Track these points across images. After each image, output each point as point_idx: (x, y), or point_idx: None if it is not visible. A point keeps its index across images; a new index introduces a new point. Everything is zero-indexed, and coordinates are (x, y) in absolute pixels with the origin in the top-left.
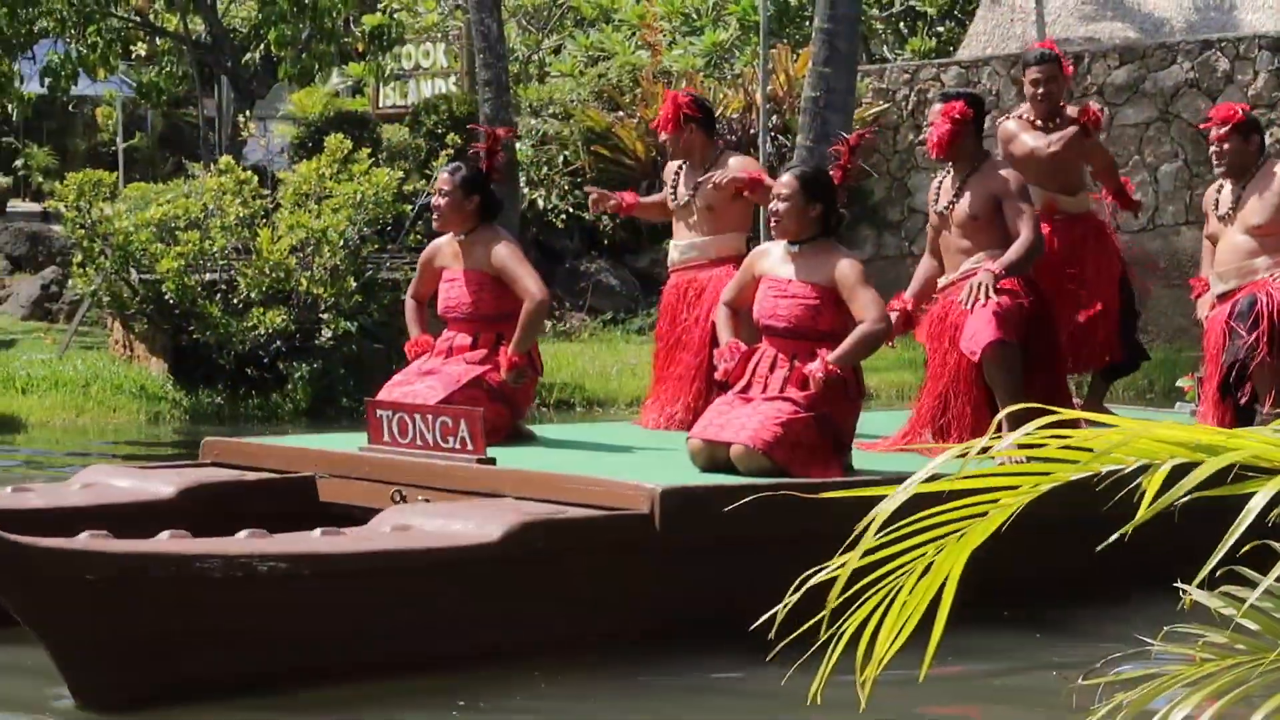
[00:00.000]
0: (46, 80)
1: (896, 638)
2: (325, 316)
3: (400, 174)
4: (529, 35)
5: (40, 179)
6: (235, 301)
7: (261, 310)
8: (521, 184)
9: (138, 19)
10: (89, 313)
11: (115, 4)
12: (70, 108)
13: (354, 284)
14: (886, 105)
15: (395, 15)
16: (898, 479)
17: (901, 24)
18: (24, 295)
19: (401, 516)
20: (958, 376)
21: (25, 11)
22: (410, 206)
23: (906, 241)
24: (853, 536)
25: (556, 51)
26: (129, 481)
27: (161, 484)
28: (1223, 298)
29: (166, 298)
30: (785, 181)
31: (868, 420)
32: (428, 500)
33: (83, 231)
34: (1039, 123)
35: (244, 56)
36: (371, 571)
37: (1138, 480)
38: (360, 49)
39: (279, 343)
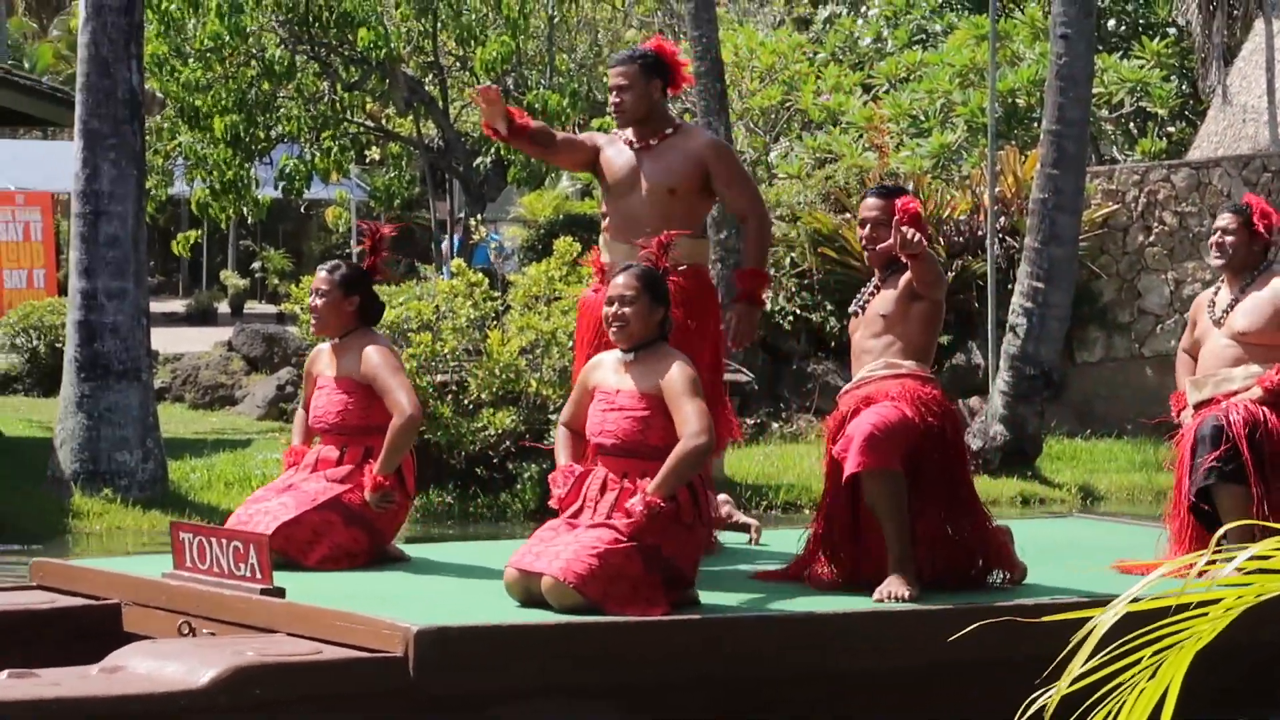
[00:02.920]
0: (281, 184)
1: None
2: (554, 417)
3: None
4: (756, 138)
5: (276, 281)
6: (466, 402)
7: (491, 411)
8: None
9: (371, 124)
10: None
11: (350, 110)
12: (304, 210)
13: None
14: (1116, 207)
15: None
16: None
17: (1131, 125)
18: (260, 396)
19: (124, 656)
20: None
21: (263, 118)
22: None
23: (1136, 344)
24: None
25: (784, 154)
26: None
27: None
28: (1199, 408)
29: None
30: (626, 283)
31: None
32: (212, 634)
33: None
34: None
35: (475, 160)
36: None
37: None
38: None
39: (508, 443)
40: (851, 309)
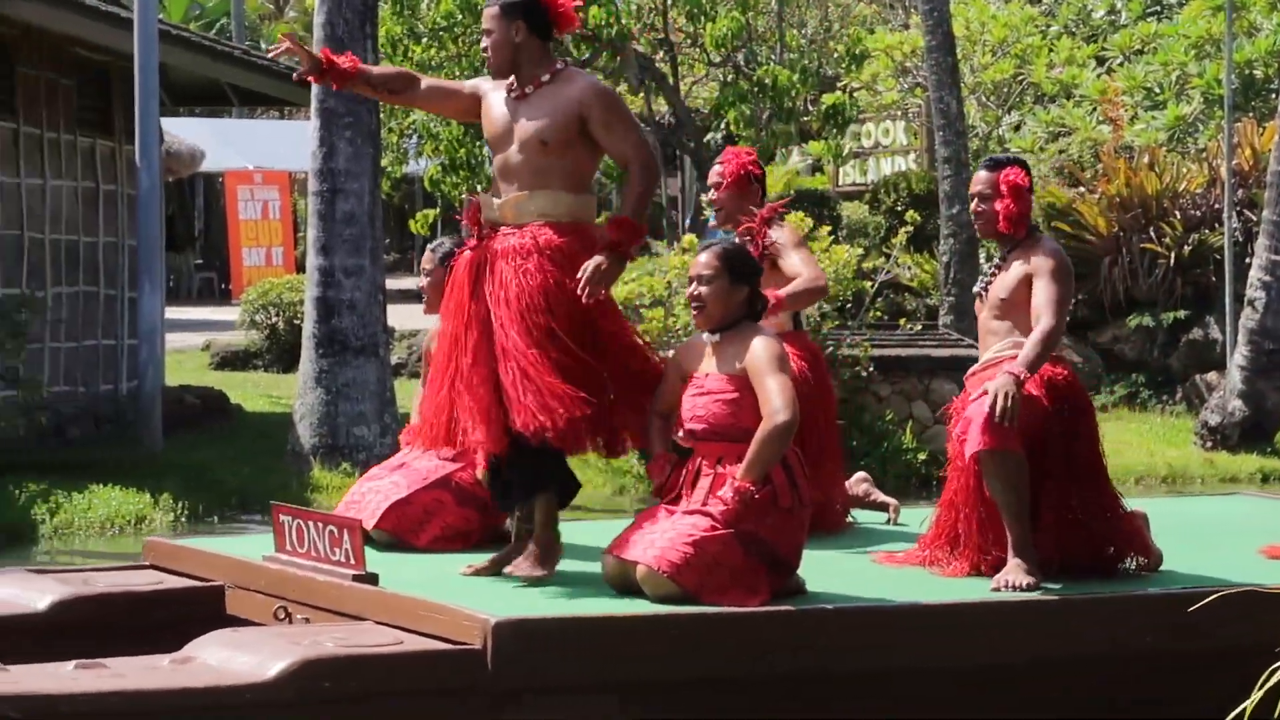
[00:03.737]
0: None
1: None
2: None
3: (859, 251)
4: (988, 112)
5: None
6: None
7: None
8: (981, 260)
9: None
10: None
11: None
12: None
13: None
14: None
15: (854, 94)
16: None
17: None
18: None
19: (199, 645)
20: None
21: None
22: (870, 284)
23: None
24: None
25: (1016, 128)
26: (8, 591)
27: (39, 595)
28: None
29: None
30: (706, 262)
31: None
32: (306, 620)
33: None
34: None
35: (705, 136)
36: (108, 716)
37: None
38: (817, 127)
39: None
40: (976, 288)
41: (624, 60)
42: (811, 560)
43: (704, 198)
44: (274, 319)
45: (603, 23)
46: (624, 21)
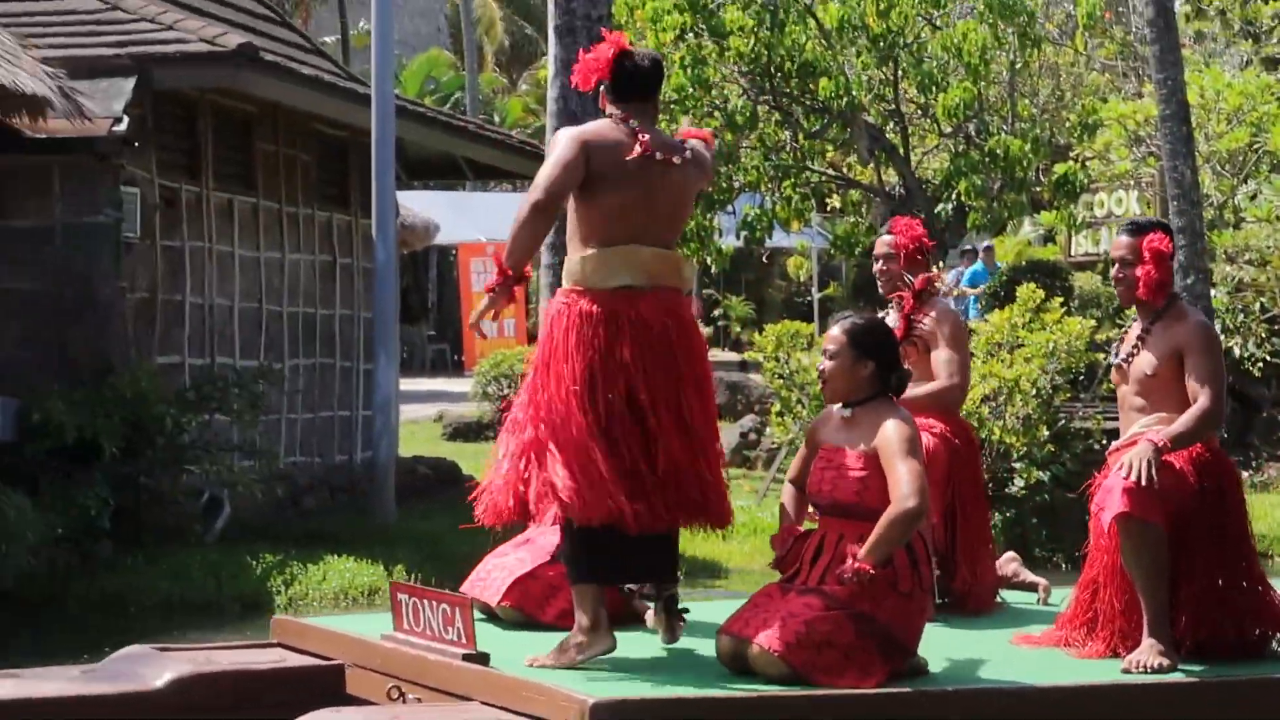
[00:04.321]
0: (743, 233)
1: None
2: (1018, 465)
3: (1092, 323)
4: (1223, 181)
5: (738, 329)
6: None
7: None
8: (1218, 331)
9: (832, 172)
10: (784, 460)
11: (811, 159)
12: (765, 259)
13: (1046, 433)
14: None
15: (1086, 163)
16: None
17: None
18: (724, 443)
19: None
20: None
21: (726, 169)
22: (1103, 355)
23: None
24: None
25: (1252, 197)
26: (129, 668)
27: (157, 672)
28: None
29: None
30: (833, 335)
31: None
32: (419, 700)
33: (780, 381)
34: None
35: (936, 207)
36: None
37: None
38: (1049, 197)
39: None
40: (1115, 359)
41: (854, 131)
42: (949, 640)
43: (875, 267)
44: (506, 390)
45: (833, 94)
46: (854, 93)
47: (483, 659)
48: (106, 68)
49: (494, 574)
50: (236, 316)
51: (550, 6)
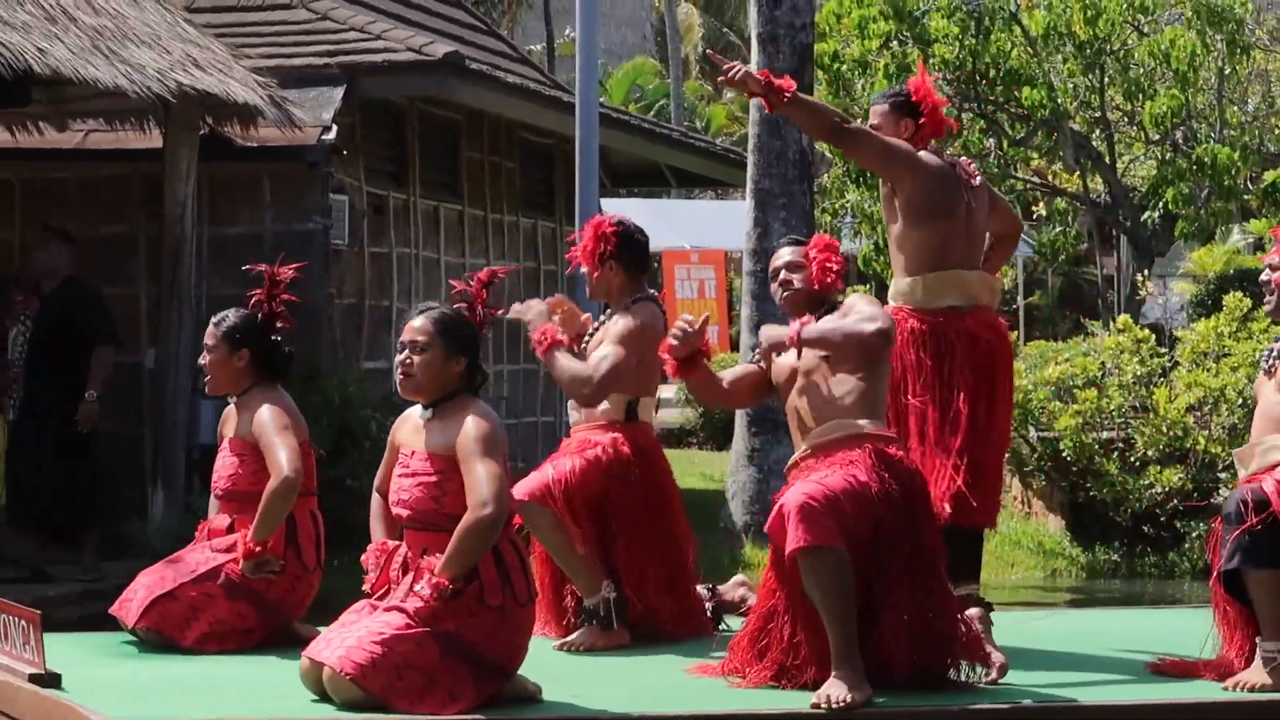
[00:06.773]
0: None
1: None
2: (1224, 476)
3: None
4: None
5: None
6: (1132, 460)
7: (1158, 469)
8: None
9: (1037, 180)
10: None
11: (1015, 166)
12: None
13: None
14: None
15: None
16: None
17: None
18: None
19: None
20: None
21: None
22: None
23: None
24: None
25: None
26: None
27: None
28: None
29: (1064, 455)
30: (420, 327)
31: None
32: None
33: None
34: None
35: (1143, 215)
36: None
37: None
38: (1258, 205)
39: (1175, 501)
40: (1264, 364)
41: (1060, 138)
42: (625, 669)
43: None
44: None
45: (1038, 103)
46: (1060, 100)
47: (51, 681)
48: (316, 77)
49: (137, 592)
50: None
51: (753, 14)
